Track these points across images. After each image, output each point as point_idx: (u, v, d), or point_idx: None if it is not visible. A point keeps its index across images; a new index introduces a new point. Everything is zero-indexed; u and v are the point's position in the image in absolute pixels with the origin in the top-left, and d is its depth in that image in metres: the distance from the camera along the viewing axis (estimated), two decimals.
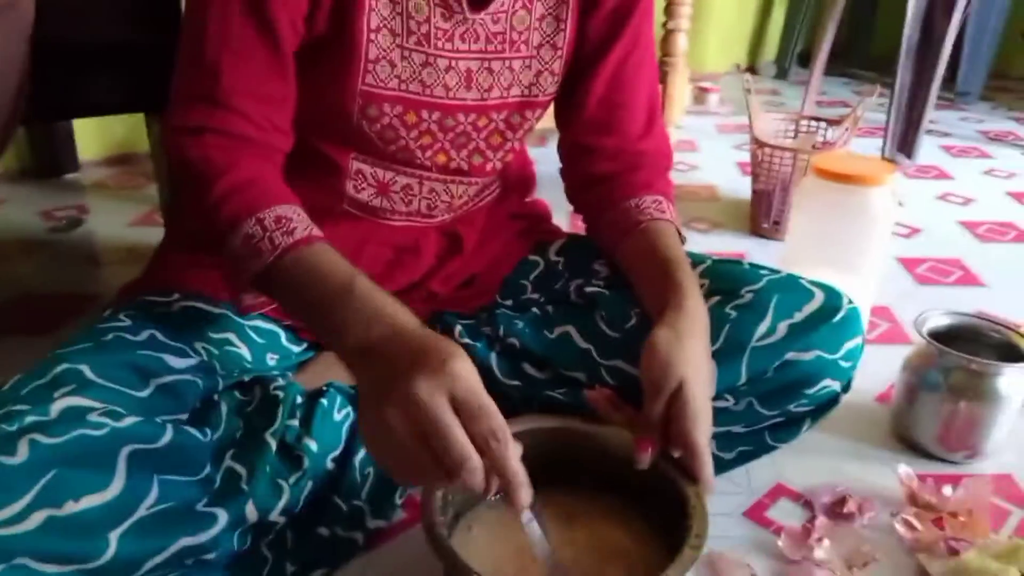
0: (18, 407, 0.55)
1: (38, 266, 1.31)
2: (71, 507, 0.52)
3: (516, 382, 0.80)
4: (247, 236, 0.61)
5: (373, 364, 0.54)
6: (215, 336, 0.72)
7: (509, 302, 0.86)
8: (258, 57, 0.66)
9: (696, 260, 0.80)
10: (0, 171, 1.66)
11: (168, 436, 0.59)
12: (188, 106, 0.66)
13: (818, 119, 1.54)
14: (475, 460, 0.50)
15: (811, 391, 0.73)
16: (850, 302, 0.74)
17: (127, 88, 1.04)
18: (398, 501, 0.75)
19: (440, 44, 0.72)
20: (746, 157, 1.97)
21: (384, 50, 0.70)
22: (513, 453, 0.52)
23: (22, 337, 1.09)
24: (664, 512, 0.63)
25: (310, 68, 0.70)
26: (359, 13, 0.68)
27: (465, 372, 0.51)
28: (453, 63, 0.73)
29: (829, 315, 0.72)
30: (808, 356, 0.71)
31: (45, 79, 0.82)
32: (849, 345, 0.73)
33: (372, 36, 0.69)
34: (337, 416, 0.72)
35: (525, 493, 0.52)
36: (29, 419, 0.54)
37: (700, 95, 2.45)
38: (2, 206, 1.52)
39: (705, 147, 2.06)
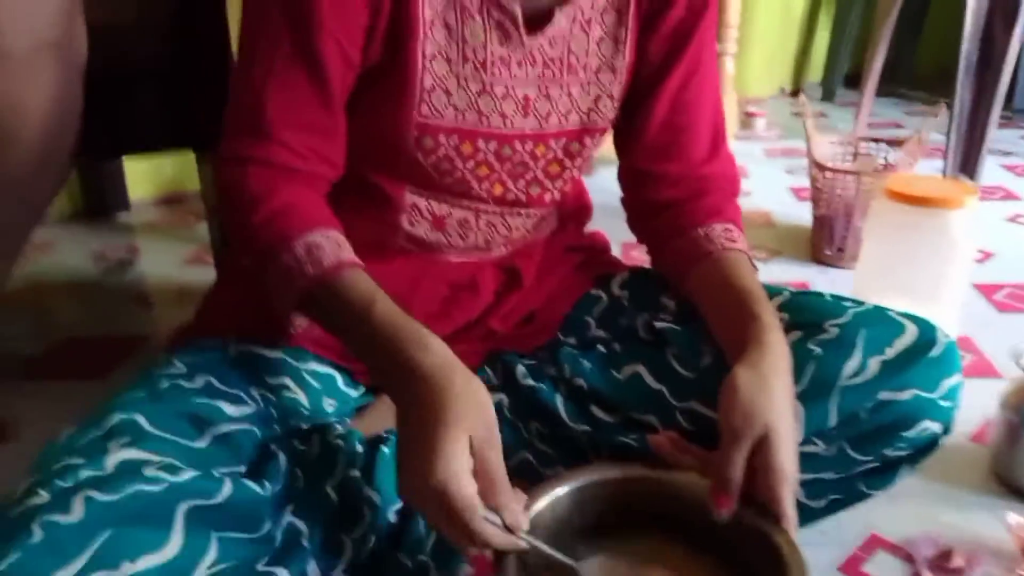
0: (73, 460, 0.53)
1: (90, 308, 1.31)
2: (128, 568, 0.49)
3: (585, 426, 0.75)
4: (282, 266, 0.63)
5: (403, 399, 0.58)
6: (272, 381, 0.70)
7: (572, 340, 0.82)
8: (303, 89, 0.65)
9: (772, 293, 0.75)
10: (51, 213, 1.68)
11: (227, 491, 0.56)
12: (235, 137, 0.67)
13: (878, 140, 1.49)
14: (488, 532, 0.54)
15: (909, 434, 0.67)
16: (946, 336, 0.69)
17: (170, 125, 1.03)
18: (465, 556, 0.71)
19: (497, 71, 0.70)
20: (798, 182, 1.92)
21: (440, 78, 0.68)
22: (512, 511, 0.55)
23: (74, 381, 1.08)
24: (751, 564, 0.58)
25: (365, 99, 0.69)
26: (413, 41, 0.67)
27: (478, 442, 0.55)
28: (510, 90, 0.71)
29: (924, 350, 0.67)
30: (904, 396, 0.66)
31: (93, 115, 0.82)
32: (949, 383, 0.67)
33: (427, 64, 0.68)
34: None
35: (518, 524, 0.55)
36: (85, 474, 0.52)
37: (746, 120, 2.40)
38: (53, 248, 1.53)
39: (755, 173, 2.01)
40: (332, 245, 0.63)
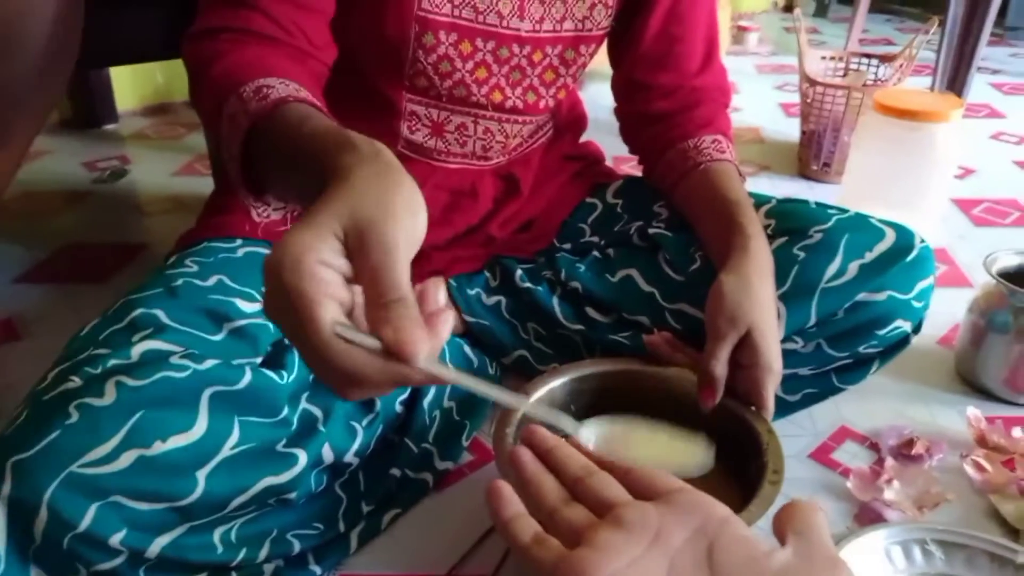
0: (100, 351, 0.56)
1: (85, 216, 1.32)
2: (159, 447, 0.53)
3: (579, 326, 0.79)
4: (227, 112, 0.53)
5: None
6: None
7: (568, 246, 0.85)
8: None
9: (760, 200, 0.78)
10: None
11: (247, 378, 0.59)
12: (211, 10, 0.62)
13: (868, 56, 1.49)
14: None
15: (882, 332, 0.71)
16: (922, 241, 0.73)
17: (167, 33, 1.02)
18: (465, 443, 0.76)
19: None
20: (789, 98, 1.92)
21: None
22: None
23: (77, 284, 1.10)
24: (734, 450, 0.63)
25: None
26: None
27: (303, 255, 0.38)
28: None
29: (902, 254, 0.70)
30: (880, 296, 0.70)
31: (87, 24, 0.81)
32: (922, 285, 0.71)
33: None
34: None
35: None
36: (112, 362, 0.55)
37: (739, 34, 2.38)
38: (45, 157, 1.53)
39: (746, 88, 2.01)
40: (285, 87, 0.53)
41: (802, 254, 0.71)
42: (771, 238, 0.71)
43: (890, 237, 0.71)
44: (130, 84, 1.73)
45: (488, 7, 0.72)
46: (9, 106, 0.79)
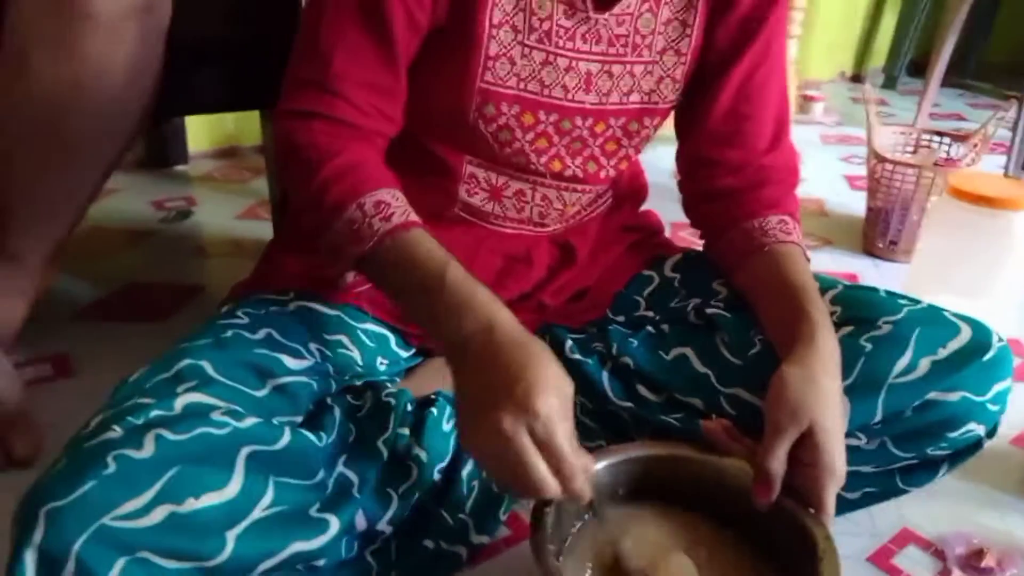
0: (144, 400, 0.56)
1: (148, 255, 1.36)
2: (192, 504, 0.52)
3: (628, 403, 0.77)
4: (348, 221, 0.63)
5: (465, 359, 0.57)
6: (329, 338, 0.72)
7: (621, 318, 0.83)
8: (369, 48, 0.67)
9: (825, 285, 0.75)
10: None
11: (286, 439, 0.58)
12: (298, 91, 0.68)
13: (940, 133, 1.45)
14: (552, 489, 0.54)
15: (953, 435, 0.67)
16: (1000, 340, 0.68)
17: (237, 86, 1.05)
18: (502, 517, 0.73)
19: (561, 43, 0.70)
20: (853, 170, 1.88)
21: (505, 46, 0.69)
22: (578, 482, 0.55)
23: (133, 324, 1.12)
24: (786, 553, 0.59)
25: (430, 64, 0.70)
26: (481, 8, 0.68)
27: (545, 411, 0.53)
28: (573, 64, 0.72)
29: (978, 353, 0.66)
30: (953, 397, 0.66)
31: (165, 78, 0.84)
32: (999, 387, 0.67)
33: (494, 32, 0.68)
34: (446, 427, 0.70)
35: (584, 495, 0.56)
36: (154, 413, 0.55)
37: (805, 104, 2.36)
38: (115, 195, 1.58)
39: (810, 158, 1.98)
40: (400, 203, 0.64)
41: (869, 346, 0.67)
42: (836, 326, 0.68)
43: (966, 333, 0.67)
44: (202, 127, 1.79)
45: (554, 81, 0.72)
46: (83, 153, 0.82)
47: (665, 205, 0.84)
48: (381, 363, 0.76)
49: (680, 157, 0.83)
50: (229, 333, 0.66)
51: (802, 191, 1.77)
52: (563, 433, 0.53)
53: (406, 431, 0.68)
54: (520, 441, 0.52)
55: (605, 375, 0.78)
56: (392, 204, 0.63)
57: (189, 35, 0.94)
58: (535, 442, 0.53)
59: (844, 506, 0.74)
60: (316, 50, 0.66)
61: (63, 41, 0.72)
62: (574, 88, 0.73)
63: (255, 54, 1.01)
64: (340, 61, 0.66)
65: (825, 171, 1.89)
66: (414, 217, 0.64)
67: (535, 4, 0.69)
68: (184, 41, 0.92)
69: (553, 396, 0.53)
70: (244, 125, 1.82)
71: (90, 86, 0.75)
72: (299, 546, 0.57)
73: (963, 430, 0.67)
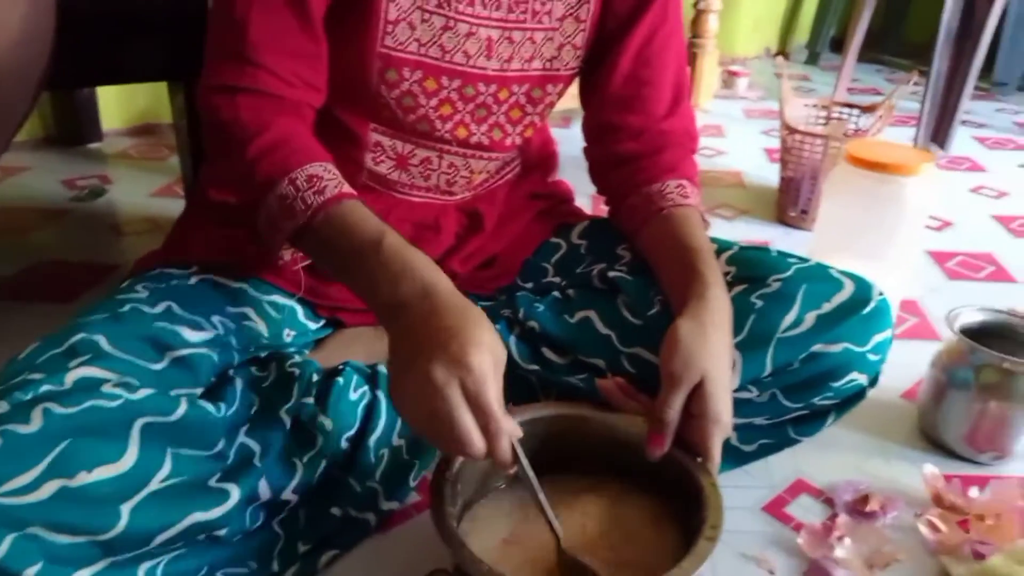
0: (33, 376, 0.55)
1: (59, 234, 1.31)
2: (84, 478, 0.51)
3: (535, 367, 0.78)
4: (281, 196, 0.63)
5: (401, 323, 0.57)
6: (232, 310, 0.72)
7: (530, 285, 0.84)
8: (285, 15, 0.66)
9: (722, 247, 0.78)
10: (24, 138, 1.66)
11: (182, 410, 0.58)
12: (219, 64, 0.67)
13: (850, 106, 1.51)
14: (477, 445, 0.53)
15: (837, 384, 0.71)
16: (880, 293, 0.72)
17: (154, 56, 1.03)
18: (412, 483, 0.74)
19: (461, 8, 0.71)
20: (774, 144, 1.93)
21: (404, 11, 0.69)
22: (503, 442, 0.55)
23: (41, 304, 1.09)
24: (678, 500, 0.62)
25: (332, 29, 0.70)
26: None
27: (478, 366, 0.53)
28: (474, 29, 0.72)
29: (859, 306, 0.70)
30: (836, 348, 0.69)
31: (71, 45, 0.81)
32: (878, 338, 0.70)
33: None
34: (353, 395, 0.71)
35: (506, 456, 0.55)
36: (44, 388, 0.54)
37: (729, 79, 2.40)
38: (25, 173, 1.52)
39: (732, 132, 2.03)
40: (332, 176, 0.64)
41: (759, 303, 0.70)
42: (730, 285, 0.70)
43: (848, 288, 0.71)
44: (115, 103, 1.74)
45: (455, 46, 0.72)
46: None
47: (585, 176, 0.85)
48: (288, 335, 0.76)
49: (585, 123, 0.85)
50: (127, 307, 0.65)
51: (722, 163, 1.83)
52: (494, 392, 0.54)
53: (311, 400, 0.68)
54: (450, 392, 0.52)
55: (513, 340, 0.79)
56: (324, 177, 0.63)
57: (102, 4, 0.92)
58: (465, 397, 0.53)
59: (742, 458, 0.77)
60: (232, 18, 0.65)
61: None
62: (475, 54, 0.73)
63: (164, 25, 0.98)
64: (257, 28, 0.65)
65: (746, 144, 1.94)
66: (347, 188, 0.64)
67: None
68: (97, 10, 0.90)
69: (487, 354, 0.53)
70: (158, 101, 1.77)
71: None
72: (197, 516, 0.57)
73: (846, 379, 0.70)
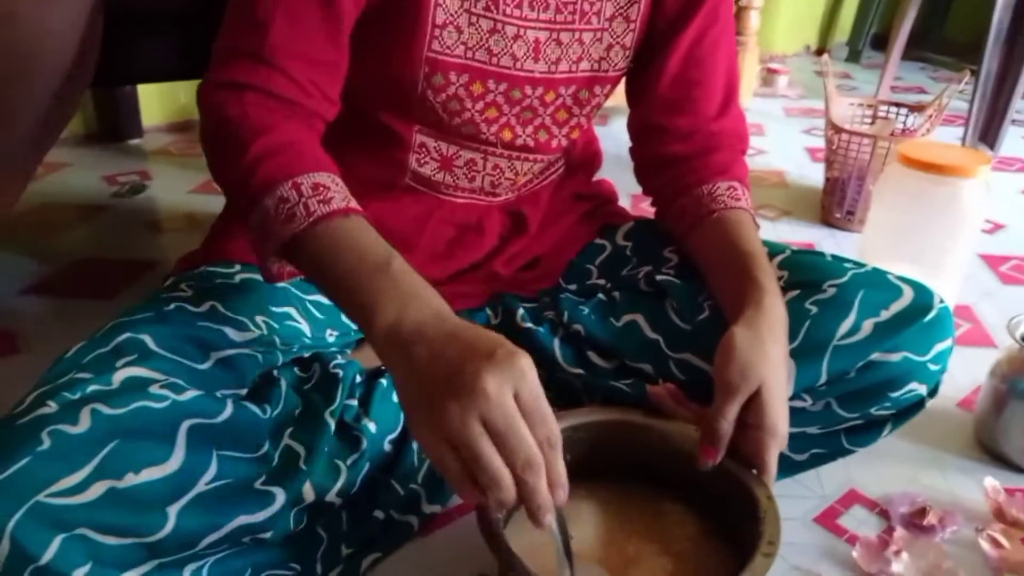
0: (81, 375, 0.55)
1: (100, 230, 1.33)
2: (131, 479, 0.51)
3: (579, 370, 0.77)
4: (281, 199, 0.58)
5: (415, 350, 0.50)
6: (276, 310, 0.71)
7: (573, 286, 0.83)
8: (311, 18, 0.63)
9: (774, 250, 0.75)
10: (66, 135, 1.69)
11: (228, 411, 0.58)
12: (231, 61, 0.63)
13: (898, 104, 1.47)
14: (507, 488, 0.47)
15: (895, 394, 0.68)
16: (941, 301, 0.69)
17: (191, 55, 1.03)
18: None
19: (509, 11, 0.69)
20: (815, 142, 1.89)
21: (451, 15, 0.68)
22: (561, 460, 0.50)
23: (83, 300, 1.10)
24: (730, 514, 0.60)
25: (375, 34, 0.68)
26: None
27: (531, 370, 0.48)
28: (521, 32, 0.70)
29: (919, 314, 0.67)
30: (894, 357, 0.67)
31: (110, 44, 0.82)
32: (939, 347, 0.68)
33: (439, 0, 0.67)
34: (395, 397, 0.70)
35: (561, 495, 0.50)
36: (92, 388, 0.54)
37: (769, 76, 2.37)
38: (67, 169, 1.54)
39: (773, 131, 1.99)
40: (340, 188, 0.60)
41: (814, 309, 0.68)
42: (783, 291, 0.68)
43: (907, 295, 0.68)
44: (156, 100, 1.75)
45: (503, 49, 0.71)
46: (23, 119, 0.80)
47: (625, 176, 0.84)
48: (331, 335, 0.75)
49: (631, 124, 0.83)
50: (172, 306, 0.65)
51: (764, 162, 1.80)
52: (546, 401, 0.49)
53: (354, 402, 0.67)
54: (506, 400, 0.46)
55: (556, 342, 0.78)
56: (332, 188, 0.59)
57: (139, 4, 0.92)
58: (520, 409, 0.47)
59: (793, 468, 0.75)
60: (253, 17, 0.62)
61: None
62: (523, 56, 0.72)
63: (204, 23, 0.98)
64: (280, 30, 0.62)
65: (787, 143, 1.90)
66: (355, 204, 0.59)
67: None
68: (133, 7, 0.90)
69: (532, 361, 0.49)
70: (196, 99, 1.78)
71: (29, 49, 0.72)
72: (244, 519, 0.57)
73: (905, 390, 0.68)
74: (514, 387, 0.48)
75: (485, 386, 0.46)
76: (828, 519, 0.75)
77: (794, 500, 0.76)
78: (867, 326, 0.67)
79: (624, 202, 0.96)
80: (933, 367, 0.68)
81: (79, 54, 0.77)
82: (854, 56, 2.86)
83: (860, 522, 0.74)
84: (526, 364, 0.49)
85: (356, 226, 0.58)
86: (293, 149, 0.61)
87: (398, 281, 0.54)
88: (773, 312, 0.63)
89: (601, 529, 0.63)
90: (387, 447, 0.69)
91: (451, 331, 0.51)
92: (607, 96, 0.80)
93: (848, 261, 0.73)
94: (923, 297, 0.69)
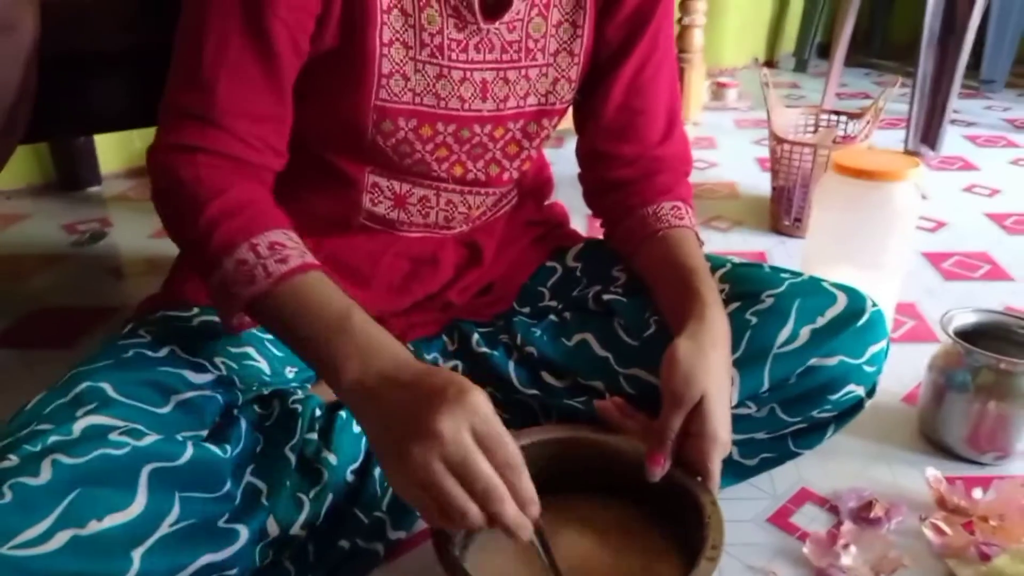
0: (41, 426, 0.56)
1: (61, 279, 1.33)
2: (94, 526, 0.52)
3: (534, 391, 0.79)
4: (240, 261, 0.60)
5: (379, 402, 0.55)
6: (234, 350, 0.72)
7: (527, 309, 0.85)
8: (254, 75, 0.64)
9: (716, 264, 0.79)
10: (24, 185, 1.69)
11: (189, 453, 0.59)
12: (181, 123, 0.64)
13: (838, 112, 1.52)
14: (508, 500, 0.52)
15: (835, 397, 0.71)
16: (874, 305, 0.73)
17: (142, 103, 1.03)
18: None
19: (454, 56, 0.71)
20: (766, 153, 1.94)
21: (397, 64, 0.70)
22: (526, 478, 0.53)
23: (44, 350, 1.10)
24: (679, 520, 0.63)
25: (323, 83, 0.70)
26: (371, 28, 0.67)
27: (481, 403, 0.52)
28: (468, 74, 0.73)
29: (853, 319, 0.71)
30: (831, 362, 0.70)
31: (56, 94, 0.82)
32: (873, 349, 0.71)
33: (385, 51, 0.69)
34: (356, 428, 0.71)
35: (534, 510, 0.54)
36: (52, 439, 0.55)
37: (718, 90, 2.43)
38: (26, 221, 1.54)
39: (724, 143, 2.04)
40: (295, 244, 0.62)
41: (754, 319, 0.71)
42: (725, 303, 0.71)
43: (841, 301, 0.72)
44: (113, 147, 1.76)
45: (450, 93, 0.72)
46: None
47: (579, 197, 0.86)
48: (290, 371, 0.77)
49: (579, 150, 0.86)
50: (130, 353, 0.66)
51: (715, 174, 1.84)
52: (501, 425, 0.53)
53: (314, 436, 0.69)
54: (463, 438, 0.50)
55: (511, 365, 0.80)
56: (288, 245, 0.61)
57: (84, 52, 0.92)
58: (476, 442, 0.51)
59: (745, 472, 0.78)
60: (199, 78, 0.63)
61: None
62: (470, 98, 0.74)
63: (155, 70, 0.99)
64: (225, 91, 0.63)
65: (738, 155, 1.96)
66: (311, 259, 0.62)
67: (424, 19, 0.69)
68: (80, 58, 0.90)
69: (482, 392, 0.53)
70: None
71: None
72: (208, 558, 0.58)
73: (843, 392, 0.71)
74: (468, 422, 0.51)
75: (440, 427, 0.50)
76: (781, 518, 0.77)
77: (748, 502, 0.79)
78: (804, 333, 0.70)
79: (579, 222, 0.98)
80: (869, 368, 0.71)
81: (11, 107, 0.77)
82: (801, 66, 2.94)
83: (812, 519, 0.77)
84: (477, 398, 0.52)
85: (314, 282, 0.60)
86: (249, 210, 0.63)
87: (358, 337, 0.57)
88: (715, 324, 0.66)
89: (579, 542, 0.65)
90: (349, 477, 0.70)
91: (410, 380, 0.55)
92: (555, 126, 0.82)
93: (785, 271, 0.77)
94: (856, 302, 0.72)
